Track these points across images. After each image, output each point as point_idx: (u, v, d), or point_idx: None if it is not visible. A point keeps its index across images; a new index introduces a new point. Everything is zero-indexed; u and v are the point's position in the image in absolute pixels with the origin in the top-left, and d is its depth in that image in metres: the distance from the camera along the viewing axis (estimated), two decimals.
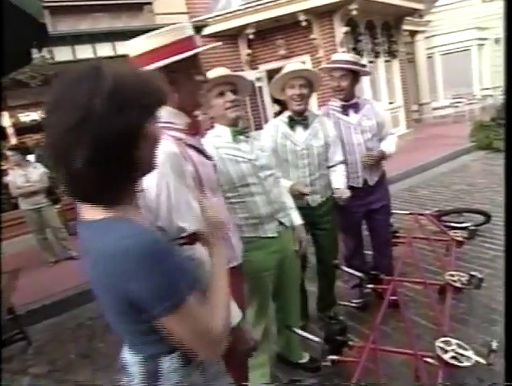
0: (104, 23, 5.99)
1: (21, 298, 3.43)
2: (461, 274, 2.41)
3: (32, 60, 2.74)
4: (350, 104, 2.46)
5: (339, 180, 2.34)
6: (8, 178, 4.81)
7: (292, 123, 2.26)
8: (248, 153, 1.76)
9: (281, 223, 1.86)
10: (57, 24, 5.62)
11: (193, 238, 1.12)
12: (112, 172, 0.71)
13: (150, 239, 0.73)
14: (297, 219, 1.97)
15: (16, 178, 4.74)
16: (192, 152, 1.23)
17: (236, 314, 1.19)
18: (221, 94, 1.70)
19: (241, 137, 1.77)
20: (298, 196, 2.10)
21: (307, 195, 2.15)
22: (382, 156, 2.50)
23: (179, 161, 1.15)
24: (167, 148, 1.11)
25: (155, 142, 0.81)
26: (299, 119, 2.25)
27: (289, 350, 2.21)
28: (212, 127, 1.82)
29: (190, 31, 1.22)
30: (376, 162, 2.48)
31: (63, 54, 5.00)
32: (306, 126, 2.26)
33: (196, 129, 1.32)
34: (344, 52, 6.87)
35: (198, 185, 1.22)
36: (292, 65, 2.23)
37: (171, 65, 1.15)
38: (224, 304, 0.87)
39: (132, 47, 1.21)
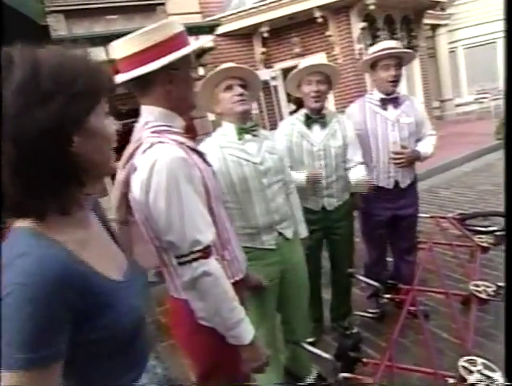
0: (118, 25, 6.00)
1: None
2: (487, 284, 2.23)
3: None
4: (391, 98, 2.25)
5: (359, 172, 2.16)
6: None
7: (309, 122, 2.12)
8: (253, 155, 1.64)
9: (281, 234, 1.73)
10: (72, 27, 5.66)
11: (208, 251, 1.02)
12: (37, 177, 0.60)
13: (50, 267, 0.58)
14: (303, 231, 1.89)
15: None
16: (195, 157, 1.13)
17: (250, 330, 1.10)
18: (229, 88, 1.61)
19: (248, 137, 1.66)
20: (314, 184, 2.06)
21: (321, 178, 2.07)
22: (417, 157, 2.28)
23: (189, 167, 1.05)
24: (173, 153, 1.01)
25: (105, 138, 0.69)
26: (317, 117, 2.11)
27: (296, 364, 2.09)
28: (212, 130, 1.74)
29: (181, 26, 1.12)
30: (408, 163, 2.25)
31: None
32: (323, 125, 2.11)
33: (192, 133, 1.23)
34: (364, 47, 6.70)
35: (205, 194, 1.12)
36: (309, 60, 2.11)
37: (173, 62, 1.06)
38: None
39: (124, 47, 1.10)
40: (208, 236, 1.03)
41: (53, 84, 0.60)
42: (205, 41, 1.52)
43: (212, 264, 1.02)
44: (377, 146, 2.28)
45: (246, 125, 1.66)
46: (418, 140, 2.34)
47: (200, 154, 1.19)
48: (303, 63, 2.07)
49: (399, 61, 2.17)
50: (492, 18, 12.05)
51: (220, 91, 1.63)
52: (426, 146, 2.33)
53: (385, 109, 2.26)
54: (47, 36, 2.21)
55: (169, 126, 1.12)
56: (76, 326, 0.61)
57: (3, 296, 0.55)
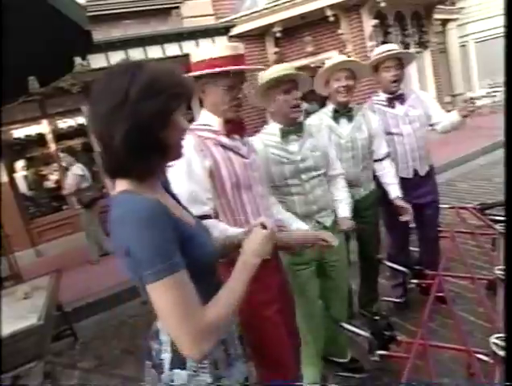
0: (135, 29, 6.17)
1: (67, 297, 3.59)
2: None
3: (74, 67, 2.85)
4: (396, 96, 2.41)
5: (393, 188, 2.31)
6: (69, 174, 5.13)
7: (336, 115, 2.24)
8: (295, 154, 1.78)
9: (319, 223, 1.85)
10: (92, 33, 5.84)
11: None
12: (141, 150, 0.80)
13: (150, 207, 0.78)
14: (343, 211, 1.94)
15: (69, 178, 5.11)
16: (218, 149, 1.38)
17: None
18: (288, 92, 1.71)
19: (293, 137, 1.79)
20: None
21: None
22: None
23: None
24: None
25: (182, 132, 0.89)
26: (344, 111, 2.23)
27: (334, 348, 2.17)
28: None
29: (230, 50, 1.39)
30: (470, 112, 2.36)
31: (97, 61, 5.20)
32: (350, 119, 2.23)
33: (240, 131, 1.47)
34: (375, 44, 6.75)
35: (219, 180, 1.37)
36: (336, 58, 2.25)
37: (203, 76, 1.37)
38: (227, 304, 0.84)
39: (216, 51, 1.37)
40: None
41: (163, 86, 0.82)
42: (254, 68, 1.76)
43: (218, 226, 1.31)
44: (393, 141, 2.42)
45: (291, 128, 1.79)
46: (433, 124, 2.49)
47: (232, 149, 1.43)
48: (333, 60, 2.20)
49: (400, 62, 2.34)
50: (503, 11, 11.95)
51: (279, 92, 1.72)
52: (453, 115, 2.43)
53: (392, 107, 2.42)
54: (90, 41, 2.34)
55: (208, 125, 1.42)
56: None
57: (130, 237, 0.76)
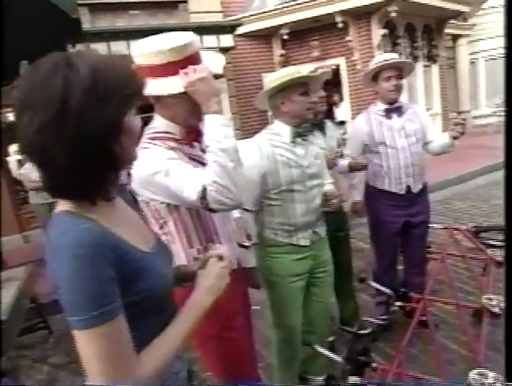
0: (140, 21, 6.09)
1: (47, 288, 3.50)
2: (501, 298, 2.21)
3: None
4: (394, 107, 2.35)
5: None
6: (21, 171, 4.76)
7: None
8: (302, 158, 1.72)
9: (315, 233, 1.81)
10: (95, 21, 5.76)
11: None
12: (87, 168, 0.69)
13: (88, 241, 0.66)
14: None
15: (31, 171, 4.53)
16: (188, 161, 1.20)
17: None
18: (305, 94, 1.69)
19: (299, 140, 1.73)
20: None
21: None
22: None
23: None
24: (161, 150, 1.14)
25: (135, 135, 0.79)
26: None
27: (311, 366, 2.09)
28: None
29: (199, 46, 1.19)
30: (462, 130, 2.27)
31: (99, 50, 5.11)
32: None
33: (192, 139, 1.27)
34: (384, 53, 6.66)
35: None
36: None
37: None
38: (168, 352, 0.75)
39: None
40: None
41: (110, 87, 0.68)
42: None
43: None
44: (387, 153, 2.34)
45: (301, 129, 1.73)
46: (426, 144, 2.40)
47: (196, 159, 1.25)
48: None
49: (400, 72, 2.29)
50: None
51: (297, 93, 1.67)
52: (444, 136, 2.36)
53: (389, 118, 2.35)
54: (79, 29, 2.26)
55: (167, 133, 1.21)
56: (119, 289, 0.70)
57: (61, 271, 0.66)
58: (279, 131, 1.74)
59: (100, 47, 5.05)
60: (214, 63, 1.23)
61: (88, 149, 0.67)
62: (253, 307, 1.89)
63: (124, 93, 0.70)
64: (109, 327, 0.66)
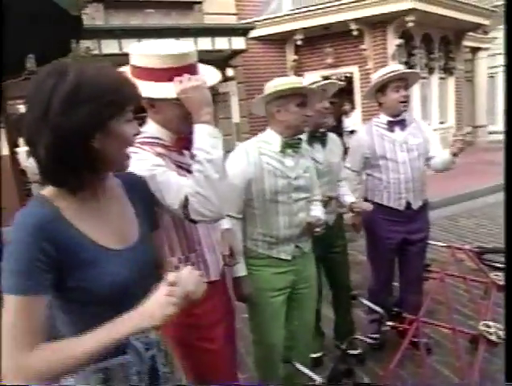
0: (154, 20, 6.10)
1: None
2: (499, 326, 2.10)
3: (71, 51, 2.79)
4: (397, 120, 2.27)
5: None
6: (27, 163, 4.75)
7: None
8: (290, 169, 1.68)
9: (298, 247, 1.75)
10: (109, 18, 5.80)
11: None
12: (66, 163, 0.79)
13: (34, 222, 0.77)
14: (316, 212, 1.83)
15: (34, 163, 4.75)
16: (172, 166, 1.18)
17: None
18: (302, 104, 1.65)
19: (289, 151, 1.69)
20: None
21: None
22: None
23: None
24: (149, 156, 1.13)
25: (122, 140, 0.85)
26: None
27: (289, 381, 2.02)
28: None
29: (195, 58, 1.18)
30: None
31: (110, 47, 5.13)
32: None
33: (182, 146, 1.25)
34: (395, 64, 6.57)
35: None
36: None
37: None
38: (69, 357, 0.73)
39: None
40: None
41: (88, 95, 0.78)
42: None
43: None
44: (387, 167, 2.27)
45: (292, 141, 1.69)
46: (427, 159, 2.32)
47: (181, 166, 1.23)
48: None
49: (406, 83, 2.24)
50: None
51: (293, 104, 1.64)
52: (445, 153, 2.27)
53: (392, 131, 2.28)
54: (80, 26, 2.25)
55: (158, 139, 1.20)
56: (57, 271, 0.78)
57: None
58: (269, 139, 1.70)
59: (111, 45, 5.08)
60: (210, 76, 1.22)
61: (63, 143, 0.77)
62: (242, 315, 1.85)
63: (109, 99, 0.79)
64: (21, 302, 0.74)
